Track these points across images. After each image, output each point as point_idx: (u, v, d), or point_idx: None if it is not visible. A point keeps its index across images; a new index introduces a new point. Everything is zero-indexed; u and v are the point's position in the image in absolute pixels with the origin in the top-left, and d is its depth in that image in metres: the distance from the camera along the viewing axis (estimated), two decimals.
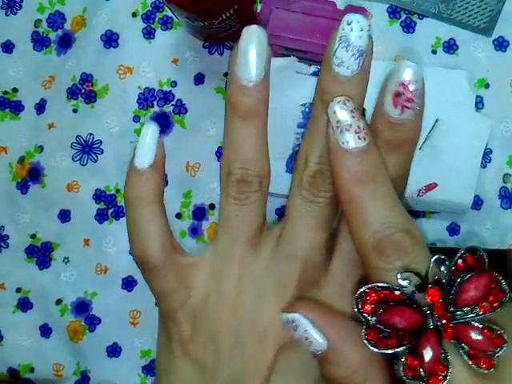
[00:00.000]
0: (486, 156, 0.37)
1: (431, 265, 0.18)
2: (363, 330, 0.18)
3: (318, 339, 0.19)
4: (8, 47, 0.40)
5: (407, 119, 0.19)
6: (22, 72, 0.40)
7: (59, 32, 0.40)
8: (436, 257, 0.18)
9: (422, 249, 0.18)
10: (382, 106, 0.19)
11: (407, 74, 0.18)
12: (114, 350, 0.39)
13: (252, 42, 0.20)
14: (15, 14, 0.40)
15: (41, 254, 0.40)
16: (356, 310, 0.18)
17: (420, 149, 0.35)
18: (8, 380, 0.40)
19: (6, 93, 0.40)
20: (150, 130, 0.22)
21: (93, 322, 0.39)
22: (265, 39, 0.20)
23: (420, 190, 0.36)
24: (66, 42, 0.40)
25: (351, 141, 0.18)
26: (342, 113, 0.18)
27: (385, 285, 0.18)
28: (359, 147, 0.18)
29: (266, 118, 0.21)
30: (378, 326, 0.18)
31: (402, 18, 0.37)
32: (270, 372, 0.21)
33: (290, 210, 0.21)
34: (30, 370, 0.40)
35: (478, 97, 0.37)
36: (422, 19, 0.37)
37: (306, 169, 0.20)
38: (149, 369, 0.39)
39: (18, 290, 0.40)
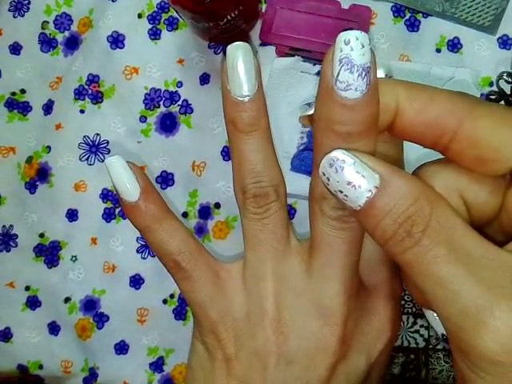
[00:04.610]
0: None
1: None
2: None
3: (369, 173, 0.16)
4: (16, 49, 0.41)
5: None
6: (30, 73, 0.41)
7: (66, 33, 0.40)
8: None
9: None
10: None
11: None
12: (121, 348, 0.40)
13: (239, 59, 0.20)
14: (22, 16, 0.40)
15: (49, 252, 0.40)
16: None
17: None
18: (18, 376, 0.41)
19: (13, 94, 0.41)
20: (118, 163, 0.22)
21: (101, 320, 0.40)
22: (250, 52, 0.20)
23: None
24: (72, 44, 0.40)
25: None
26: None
27: None
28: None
29: (268, 127, 0.21)
30: None
31: (407, 17, 0.38)
32: None
33: (320, 236, 0.20)
34: (39, 366, 0.41)
35: (482, 95, 0.37)
36: (426, 18, 0.37)
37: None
38: (156, 366, 0.40)
39: (27, 289, 0.41)
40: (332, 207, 0.19)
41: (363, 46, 0.16)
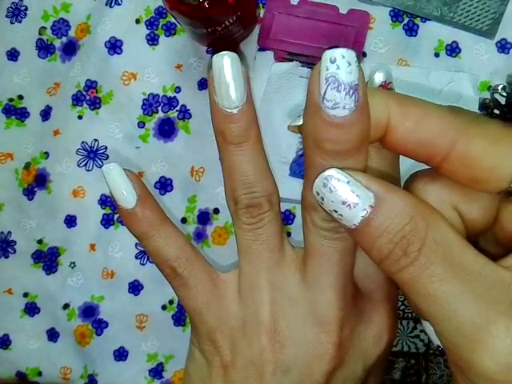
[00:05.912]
0: None
1: None
2: None
3: (364, 192, 0.16)
4: (13, 55, 0.41)
5: None
6: (28, 79, 0.41)
7: (64, 39, 0.40)
8: None
9: None
10: None
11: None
12: (120, 354, 0.40)
13: (225, 68, 0.19)
14: (20, 21, 0.40)
15: (47, 259, 0.40)
16: None
17: None
18: (16, 383, 0.41)
19: (11, 100, 0.41)
20: (114, 170, 0.22)
21: (100, 326, 0.40)
22: (238, 61, 0.19)
23: None
24: (70, 49, 0.40)
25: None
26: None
27: None
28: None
29: (258, 137, 0.21)
30: None
31: (405, 22, 0.37)
32: None
33: (313, 245, 0.20)
34: (38, 373, 0.40)
35: (481, 99, 0.37)
36: (424, 22, 0.37)
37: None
38: (155, 372, 0.40)
39: (26, 295, 0.41)
40: (323, 219, 0.19)
41: (350, 64, 0.15)
